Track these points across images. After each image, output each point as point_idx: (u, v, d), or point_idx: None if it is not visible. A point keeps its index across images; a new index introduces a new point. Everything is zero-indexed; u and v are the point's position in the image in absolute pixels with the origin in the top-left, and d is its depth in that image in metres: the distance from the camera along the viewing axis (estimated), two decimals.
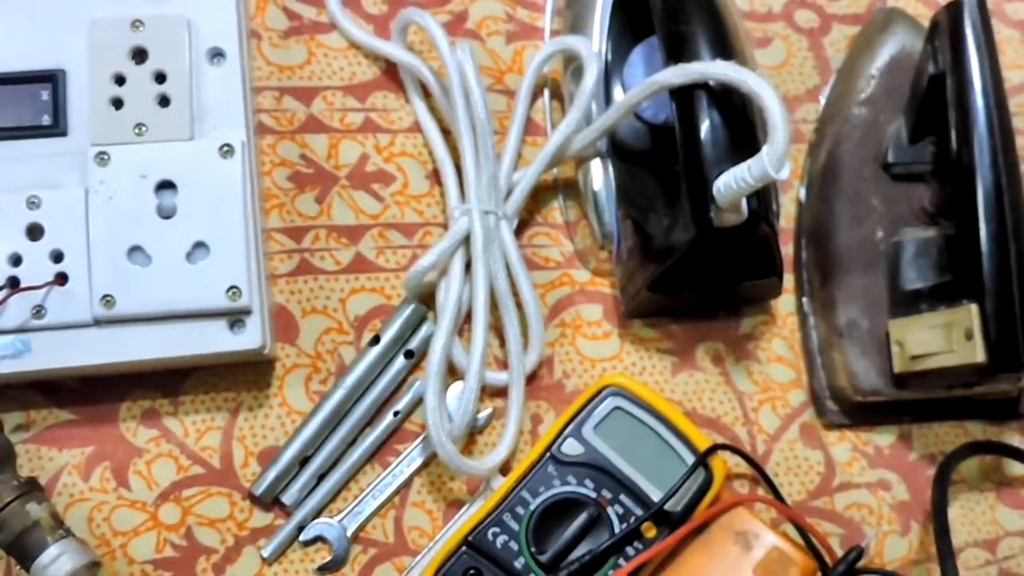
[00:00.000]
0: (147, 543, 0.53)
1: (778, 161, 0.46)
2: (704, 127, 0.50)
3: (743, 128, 0.50)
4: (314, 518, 0.54)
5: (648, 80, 0.52)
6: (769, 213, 0.51)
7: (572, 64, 0.58)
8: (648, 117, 0.57)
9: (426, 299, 0.56)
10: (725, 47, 0.51)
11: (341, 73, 0.60)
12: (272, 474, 0.54)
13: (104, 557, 0.52)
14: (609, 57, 0.58)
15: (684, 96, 0.51)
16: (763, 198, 0.50)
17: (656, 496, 0.52)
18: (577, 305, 0.58)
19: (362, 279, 0.57)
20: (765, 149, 0.46)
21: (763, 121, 0.47)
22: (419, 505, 0.55)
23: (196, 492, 0.54)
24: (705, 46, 0.51)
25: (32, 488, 0.51)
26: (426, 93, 0.59)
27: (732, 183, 0.48)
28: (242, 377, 0.55)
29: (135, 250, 0.51)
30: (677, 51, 0.52)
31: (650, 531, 0.52)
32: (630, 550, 0.52)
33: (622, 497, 0.52)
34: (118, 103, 0.53)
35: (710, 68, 0.49)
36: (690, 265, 0.53)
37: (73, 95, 0.53)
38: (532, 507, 0.52)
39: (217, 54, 0.54)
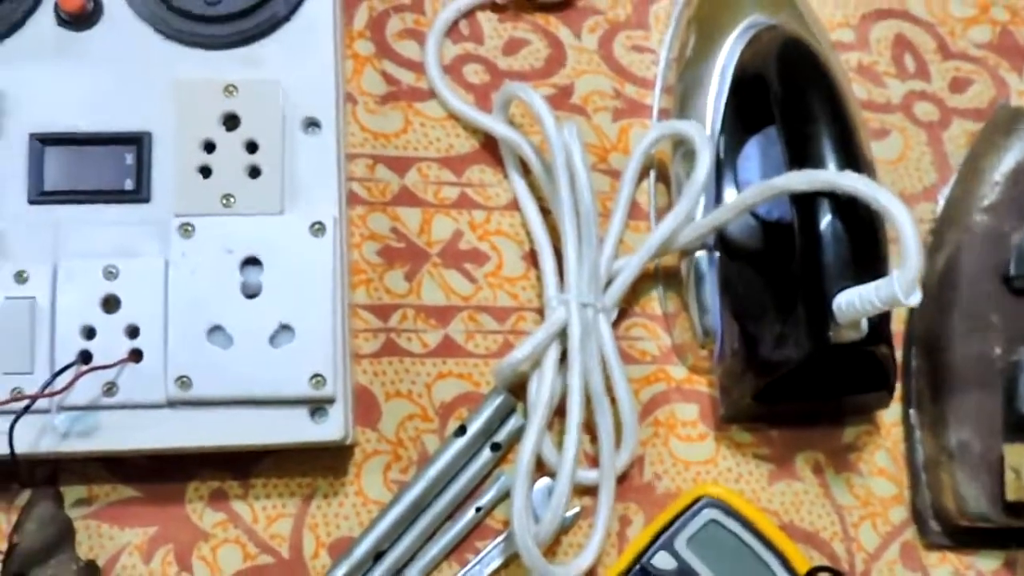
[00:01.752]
0: None
1: (909, 287, 0.43)
2: (827, 239, 0.47)
3: (869, 243, 0.47)
4: None
5: (769, 183, 0.49)
6: (889, 333, 0.48)
7: (682, 147, 0.55)
8: (760, 213, 0.53)
9: (515, 388, 0.53)
10: (853, 155, 0.48)
11: (438, 144, 0.57)
12: (344, 568, 0.51)
13: None
14: (721, 144, 0.54)
15: (807, 204, 0.48)
16: (885, 316, 0.47)
17: None
18: (672, 403, 0.55)
19: (450, 364, 0.54)
20: (896, 274, 0.43)
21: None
22: None
23: None
24: (831, 151, 0.48)
25: (91, 573, 0.49)
26: (526, 170, 0.56)
27: (856, 303, 0.45)
28: (318, 462, 0.52)
29: (216, 330, 0.49)
30: (801, 154, 0.49)
31: None
32: None
33: None
34: (206, 171, 0.50)
35: (839, 179, 0.46)
36: (798, 376, 0.49)
37: (158, 160, 0.50)
38: None
39: (312, 124, 0.51)
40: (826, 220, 0.47)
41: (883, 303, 0.44)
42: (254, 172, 0.50)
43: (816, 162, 0.48)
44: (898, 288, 0.43)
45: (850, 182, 0.46)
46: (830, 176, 0.47)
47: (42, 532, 0.49)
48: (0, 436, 0.47)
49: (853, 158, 0.48)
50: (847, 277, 0.46)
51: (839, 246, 0.47)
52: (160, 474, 0.52)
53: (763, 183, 0.50)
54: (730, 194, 0.54)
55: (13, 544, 0.49)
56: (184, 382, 0.48)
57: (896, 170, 0.59)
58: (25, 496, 0.50)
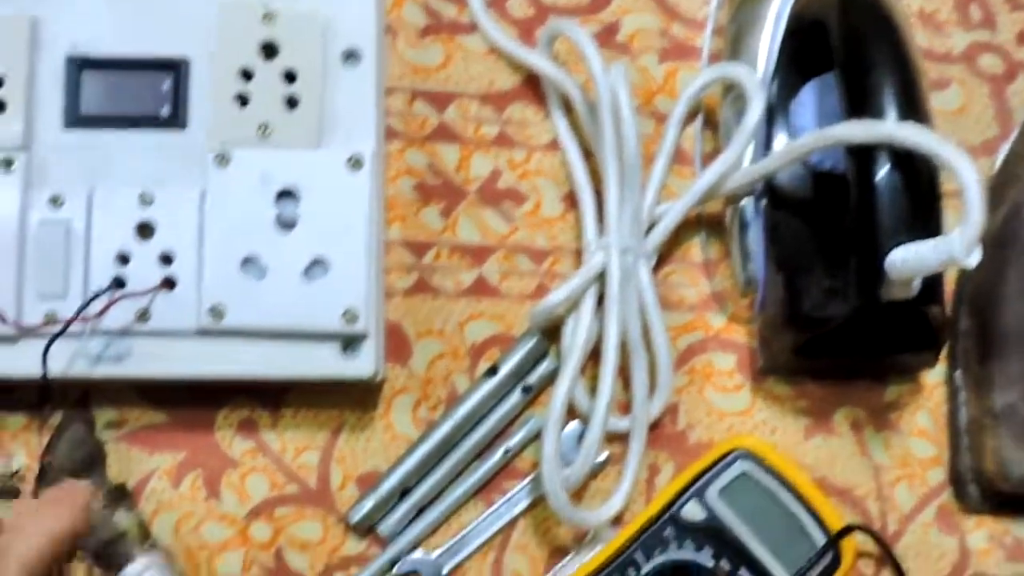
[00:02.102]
0: (234, 560, 0.51)
1: (970, 246, 0.42)
2: (884, 193, 0.46)
3: (927, 199, 0.46)
4: (410, 552, 0.51)
5: (825, 132, 0.47)
6: (942, 292, 0.46)
7: (732, 91, 0.53)
8: (812, 161, 0.51)
9: (548, 331, 0.53)
10: (915, 107, 0.46)
11: (479, 80, 0.56)
12: (370, 503, 0.51)
13: (188, 571, 0.50)
14: (774, 89, 0.52)
15: (864, 155, 0.46)
16: (938, 275, 0.46)
17: (779, 572, 0.49)
18: (709, 352, 0.54)
19: (483, 304, 0.54)
20: (957, 232, 0.42)
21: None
22: (521, 549, 0.52)
23: (289, 512, 0.51)
24: (892, 102, 0.46)
25: (122, 496, 0.49)
26: (568, 109, 0.55)
27: (911, 261, 0.43)
28: (347, 396, 0.52)
29: (249, 261, 0.48)
30: (860, 103, 0.47)
31: None
32: None
33: (742, 571, 0.49)
34: (243, 100, 0.49)
35: (900, 132, 0.44)
36: (842, 332, 0.48)
37: (196, 87, 0.50)
38: (644, 570, 0.49)
39: (352, 55, 0.50)
40: (883, 173, 0.46)
41: (940, 262, 0.42)
42: (292, 103, 0.49)
43: (876, 112, 0.46)
44: (958, 247, 0.42)
45: (912, 135, 0.45)
46: (891, 128, 0.45)
47: (73, 453, 0.49)
48: (34, 358, 0.47)
49: (915, 110, 0.47)
50: (902, 233, 0.45)
51: (896, 201, 0.45)
52: (190, 400, 0.52)
53: (818, 131, 0.48)
54: (780, 141, 0.52)
55: (45, 464, 0.49)
56: (217, 312, 0.48)
57: (955, 122, 0.57)
58: (57, 418, 0.51)
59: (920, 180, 0.46)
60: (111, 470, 0.51)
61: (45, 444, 0.50)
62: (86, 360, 0.48)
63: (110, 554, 0.47)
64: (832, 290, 0.48)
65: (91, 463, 0.49)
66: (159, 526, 0.50)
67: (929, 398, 0.54)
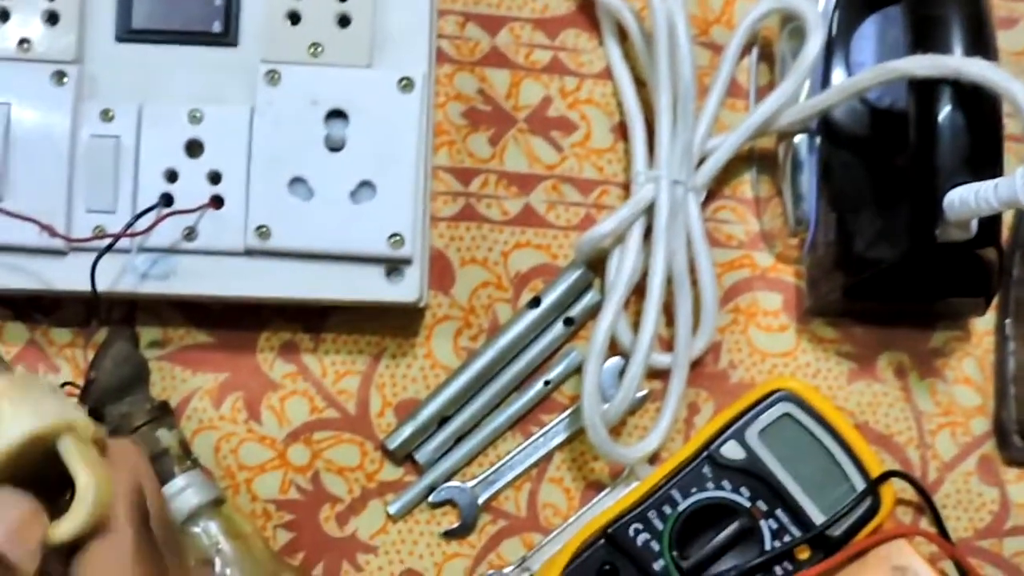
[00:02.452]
0: (272, 482, 0.51)
1: None
2: (945, 130, 0.44)
3: (989, 138, 0.44)
4: (446, 480, 0.51)
5: (888, 66, 0.46)
6: (999, 236, 0.45)
7: (790, 23, 0.52)
8: (871, 98, 0.50)
9: (593, 263, 0.52)
10: (983, 42, 0.45)
11: (533, 4, 0.54)
12: (408, 430, 0.51)
13: (227, 490, 0.50)
14: (834, 22, 0.51)
15: (926, 91, 0.45)
16: (996, 218, 0.45)
17: (815, 515, 0.49)
18: (755, 291, 0.53)
19: (528, 233, 0.53)
20: (1020, 172, 0.40)
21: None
22: (556, 482, 0.52)
23: (328, 436, 0.51)
24: (960, 37, 0.45)
25: (164, 413, 0.49)
26: (623, 37, 0.53)
27: (971, 201, 0.42)
28: (389, 322, 0.52)
29: (297, 181, 0.48)
30: (926, 37, 0.45)
31: (803, 553, 0.49)
32: (779, 570, 0.48)
33: (778, 512, 0.49)
34: (295, 18, 0.48)
35: (967, 66, 0.43)
36: (893, 274, 0.47)
37: (248, 3, 0.49)
38: (680, 508, 0.49)
39: None
40: (946, 110, 0.45)
41: (1001, 203, 0.41)
42: (344, 21, 0.49)
43: (942, 47, 0.45)
44: (1021, 187, 0.40)
45: (979, 70, 0.43)
46: (957, 63, 0.44)
47: (118, 370, 0.49)
48: (82, 273, 0.47)
49: (983, 46, 0.45)
50: (961, 172, 0.44)
51: (957, 139, 0.44)
52: (233, 322, 0.52)
53: (881, 66, 0.47)
54: (838, 76, 0.51)
55: (90, 380, 0.49)
56: (263, 232, 0.48)
57: (1018, 64, 0.55)
58: (103, 334, 0.51)
59: (983, 119, 0.44)
60: (154, 388, 0.51)
61: (91, 360, 0.50)
62: (132, 276, 0.48)
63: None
64: (885, 231, 0.47)
65: (134, 380, 0.49)
66: (199, 446, 0.51)
67: (977, 346, 0.53)
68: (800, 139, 0.51)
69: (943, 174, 0.44)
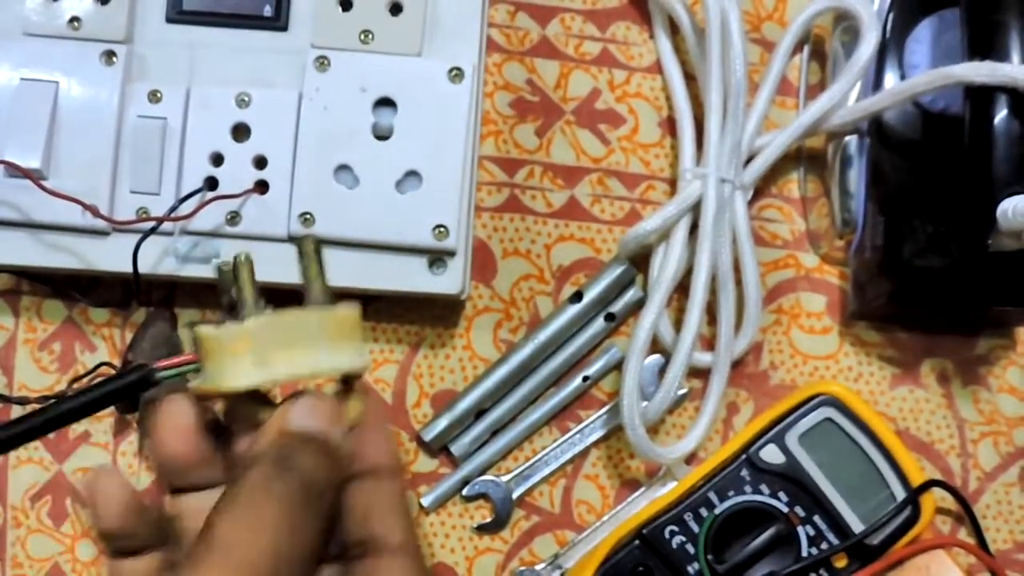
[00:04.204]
0: None
1: None
2: (1001, 138, 0.44)
3: None
4: (480, 474, 0.51)
5: (943, 71, 0.45)
6: None
7: (843, 22, 0.51)
8: (924, 102, 0.49)
9: (636, 259, 0.52)
10: None
11: None
12: (444, 422, 0.51)
13: None
14: (889, 23, 0.50)
15: (983, 97, 0.44)
16: None
17: (854, 523, 0.48)
18: (799, 292, 0.53)
19: (572, 227, 0.53)
20: None
21: None
22: (592, 479, 0.51)
23: None
24: (1019, 44, 0.44)
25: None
26: (674, 31, 0.53)
27: None
28: (429, 312, 0.52)
29: (343, 169, 0.47)
30: (983, 43, 0.45)
31: (840, 561, 0.48)
32: None
33: (816, 518, 0.48)
34: (346, 4, 0.48)
35: None
36: (942, 281, 0.47)
37: None
38: (717, 511, 0.48)
39: None
40: (1001, 117, 0.44)
41: None
42: (395, 9, 0.48)
43: (1001, 54, 0.44)
44: None
45: None
46: (1017, 71, 0.43)
47: (156, 351, 0.49)
48: (124, 253, 0.47)
49: None
50: (1018, 182, 0.43)
51: (1013, 147, 0.44)
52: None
53: (936, 70, 0.46)
54: (891, 78, 0.50)
55: (127, 361, 0.49)
56: (307, 218, 0.47)
57: None
58: (142, 315, 0.51)
59: None
60: None
61: (129, 341, 0.50)
62: (174, 259, 0.48)
63: None
64: (935, 238, 0.47)
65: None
66: None
67: (1022, 355, 0.53)
68: (850, 140, 0.51)
69: (998, 183, 0.43)
